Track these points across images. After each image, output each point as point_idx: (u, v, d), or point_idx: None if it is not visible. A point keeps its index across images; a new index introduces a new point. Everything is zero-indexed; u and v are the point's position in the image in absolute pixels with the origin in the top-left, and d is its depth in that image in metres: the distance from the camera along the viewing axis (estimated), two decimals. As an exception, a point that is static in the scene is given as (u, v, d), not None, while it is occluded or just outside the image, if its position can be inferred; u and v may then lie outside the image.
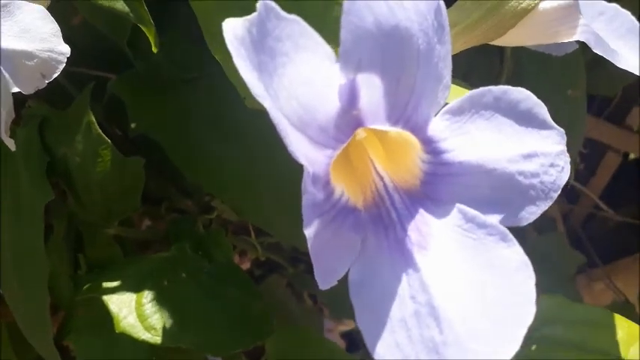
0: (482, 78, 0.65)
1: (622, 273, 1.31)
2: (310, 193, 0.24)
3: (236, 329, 0.47)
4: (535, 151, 0.25)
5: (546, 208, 0.25)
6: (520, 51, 0.59)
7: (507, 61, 0.58)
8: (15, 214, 0.46)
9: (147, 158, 0.55)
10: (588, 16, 0.30)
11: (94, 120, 0.45)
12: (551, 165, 0.25)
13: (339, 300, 0.66)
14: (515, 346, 0.21)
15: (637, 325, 0.43)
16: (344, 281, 0.26)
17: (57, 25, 0.37)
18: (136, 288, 0.47)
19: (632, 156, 1.40)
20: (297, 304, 0.91)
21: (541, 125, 0.25)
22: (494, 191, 0.24)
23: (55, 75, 0.37)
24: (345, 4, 0.20)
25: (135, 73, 0.52)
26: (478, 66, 0.60)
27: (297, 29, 0.20)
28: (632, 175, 1.38)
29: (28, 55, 0.36)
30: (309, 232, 0.25)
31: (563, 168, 0.25)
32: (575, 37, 0.34)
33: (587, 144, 1.20)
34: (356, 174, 0.27)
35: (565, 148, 0.26)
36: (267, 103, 0.22)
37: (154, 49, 0.41)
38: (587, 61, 0.71)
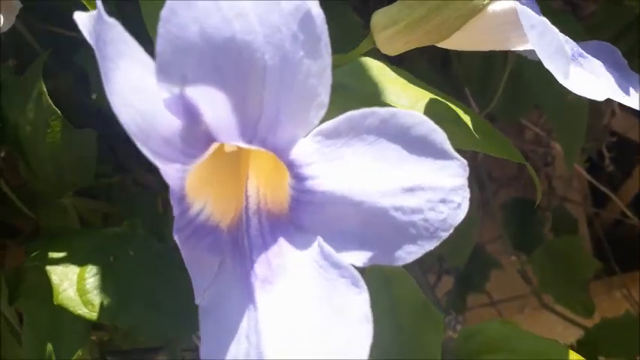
0: (482, 80, 0.61)
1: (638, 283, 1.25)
2: (174, 207, 0.22)
3: (181, 315, 0.46)
4: (420, 184, 0.22)
5: (432, 247, 0.22)
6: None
7: (509, 63, 0.53)
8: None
9: (115, 127, 0.54)
10: (525, 26, 0.26)
11: (44, 90, 0.44)
12: (442, 201, 0.22)
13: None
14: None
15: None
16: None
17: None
18: (81, 261, 0.47)
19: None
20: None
21: (438, 154, 0.22)
22: (364, 226, 0.21)
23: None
24: (165, 10, 0.17)
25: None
26: (476, 68, 0.56)
27: (115, 35, 0.18)
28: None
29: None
30: (180, 247, 0.23)
31: (459, 205, 0.22)
32: (527, 46, 0.30)
33: (620, 143, 1.13)
34: (237, 187, 0.24)
35: (466, 183, 0.23)
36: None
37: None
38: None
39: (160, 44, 0.17)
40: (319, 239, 0.21)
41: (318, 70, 0.20)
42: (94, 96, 0.49)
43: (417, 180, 0.22)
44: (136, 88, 0.19)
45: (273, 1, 0.18)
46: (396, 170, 0.22)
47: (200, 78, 0.18)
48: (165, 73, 0.18)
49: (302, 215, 0.22)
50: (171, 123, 0.20)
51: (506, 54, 0.56)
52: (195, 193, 0.22)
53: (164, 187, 0.56)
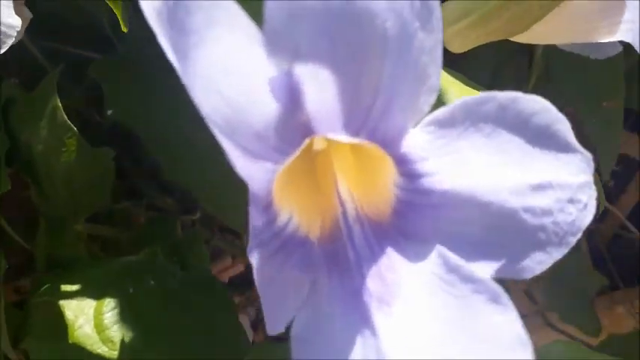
0: (505, 82, 0.59)
1: (644, 298, 1.23)
2: (252, 217, 0.18)
3: (208, 344, 0.42)
4: (549, 181, 0.18)
5: (560, 256, 0.19)
6: (552, 52, 0.52)
7: (537, 64, 0.51)
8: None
9: (127, 149, 0.50)
10: (632, 7, 0.23)
11: (59, 105, 0.40)
12: (571, 200, 0.19)
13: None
14: None
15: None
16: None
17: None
18: (97, 294, 0.42)
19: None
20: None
21: (561, 147, 0.19)
22: (490, 231, 0.18)
23: (5, 48, 0.33)
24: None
25: (116, 55, 0.47)
26: (500, 68, 0.53)
27: (207, 1, 0.14)
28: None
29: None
30: (253, 261, 0.19)
31: (586, 205, 0.19)
32: (617, 37, 0.27)
33: (620, 160, 1.12)
34: (318, 194, 0.21)
35: (592, 180, 0.19)
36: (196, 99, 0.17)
37: (124, 29, 0.36)
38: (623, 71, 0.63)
39: (270, 8, 0.14)
40: (440, 248, 0.17)
41: (431, 46, 0.17)
42: (109, 112, 0.45)
43: (545, 176, 0.18)
44: (228, 67, 0.15)
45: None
46: (520, 166, 0.18)
47: (314, 51, 0.15)
48: (275, 43, 0.14)
49: (414, 221, 0.18)
50: (267, 111, 0.16)
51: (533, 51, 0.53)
52: (280, 200, 0.19)
53: (183, 210, 0.52)
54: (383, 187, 0.19)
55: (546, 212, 0.18)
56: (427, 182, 0.18)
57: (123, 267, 0.44)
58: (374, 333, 0.17)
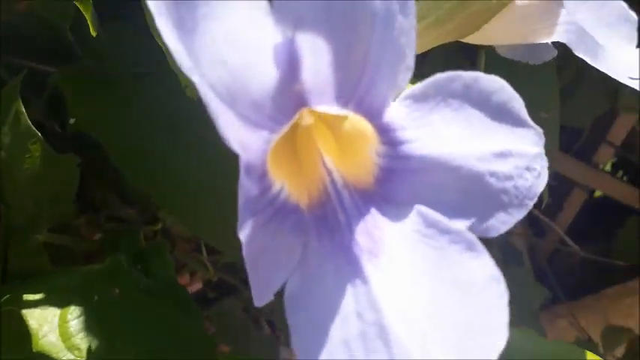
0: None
1: (586, 311, 1.30)
2: (244, 188, 0.20)
3: (174, 351, 0.42)
4: (510, 150, 0.21)
5: (520, 217, 0.21)
6: (492, 64, 0.56)
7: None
8: None
9: (87, 160, 0.50)
10: (572, 4, 0.27)
11: (23, 110, 0.40)
12: (527, 168, 0.21)
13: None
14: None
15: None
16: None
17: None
18: (61, 303, 0.42)
19: (597, 194, 1.41)
20: (253, 330, 0.85)
21: (517, 122, 0.22)
22: (461, 193, 0.20)
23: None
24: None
25: (78, 66, 0.48)
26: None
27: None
28: (597, 212, 1.38)
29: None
30: (243, 235, 0.20)
31: (539, 173, 0.22)
32: (554, 38, 0.31)
33: (556, 178, 1.20)
34: (302, 168, 0.23)
35: (542, 151, 0.22)
36: (195, 77, 0.18)
37: (93, 32, 0.37)
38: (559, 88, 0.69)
39: None
40: (419, 207, 0.20)
41: (408, 29, 0.19)
42: (71, 120, 0.45)
43: (506, 146, 0.21)
44: (233, 37, 0.17)
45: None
46: (484, 136, 0.21)
47: (314, 20, 0.17)
48: (282, 12, 0.16)
49: (395, 186, 0.20)
50: (266, 80, 0.18)
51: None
52: (274, 171, 0.20)
53: (145, 221, 0.52)
54: (364, 159, 0.21)
55: (508, 177, 0.21)
56: (406, 148, 0.20)
57: (87, 276, 0.44)
58: (365, 281, 0.18)
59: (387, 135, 0.20)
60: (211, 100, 0.18)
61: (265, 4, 0.17)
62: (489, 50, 0.43)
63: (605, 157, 1.26)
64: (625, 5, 0.28)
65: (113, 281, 0.44)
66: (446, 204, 0.20)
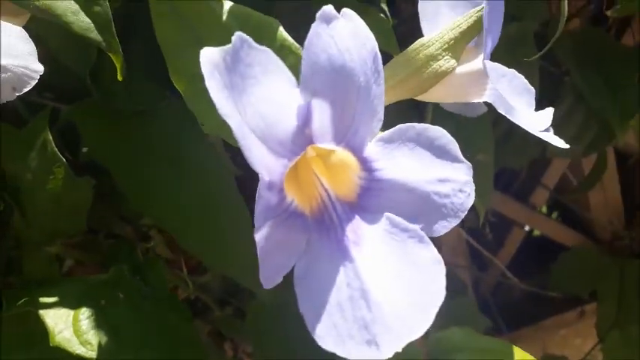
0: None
1: (525, 340, 1.40)
2: (265, 198, 0.28)
3: (170, 348, 0.49)
4: (447, 177, 0.31)
5: (455, 224, 0.31)
6: (441, 116, 0.67)
7: (427, 119, 0.66)
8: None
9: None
10: (494, 78, 0.37)
11: (50, 138, 0.47)
12: (460, 190, 0.31)
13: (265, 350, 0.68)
14: (427, 324, 0.26)
15: (530, 356, 0.49)
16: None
17: (34, 46, 0.40)
18: (73, 305, 0.48)
19: (536, 232, 1.54)
20: (216, 353, 0.91)
21: (453, 159, 0.31)
22: (415, 206, 0.30)
23: (26, 90, 0.40)
24: (307, 43, 0.25)
25: (90, 101, 0.55)
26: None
27: (266, 57, 0.25)
28: (536, 249, 1.51)
29: (3, 69, 0.39)
30: (260, 234, 0.29)
31: (469, 194, 0.31)
32: (483, 98, 0.41)
33: (497, 217, 1.32)
34: (302, 187, 0.31)
35: (471, 179, 0.32)
36: (232, 121, 0.27)
37: (120, 77, 0.45)
38: (496, 136, 0.81)
39: (303, 65, 0.25)
40: (388, 214, 0.29)
41: (379, 94, 0.29)
42: (84, 149, 0.53)
43: (445, 174, 0.31)
44: (270, 99, 0.26)
45: (360, 42, 0.27)
46: (430, 167, 0.31)
47: (322, 92, 0.26)
48: (305, 86, 0.26)
49: (371, 200, 0.29)
50: (288, 127, 0.27)
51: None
52: (286, 188, 0.29)
53: (141, 238, 0.60)
54: (347, 182, 0.31)
55: (446, 196, 0.30)
56: (378, 174, 0.29)
57: (94, 283, 0.51)
58: (351, 261, 0.27)
59: (365, 165, 0.29)
60: (249, 139, 0.27)
61: (294, 80, 0.26)
62: (437, 105, 0.54)
63: (541, 199, 1.40)
64: (526, 81, 0.39)
65: (117, 288, 0.51)
66: (405, 213, 0.29)
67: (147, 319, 0.50)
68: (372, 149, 0.29)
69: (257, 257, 0.57)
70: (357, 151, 0.29)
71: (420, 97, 0.42)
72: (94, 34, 0.42)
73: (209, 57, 0.27)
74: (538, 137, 0.79)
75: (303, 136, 0.27)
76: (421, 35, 0.42)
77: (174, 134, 0.56)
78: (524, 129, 0.84)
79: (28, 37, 0.40)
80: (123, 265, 0.53)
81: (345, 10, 0.27)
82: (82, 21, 0.41)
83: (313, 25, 0.25)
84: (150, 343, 0.49)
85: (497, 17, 0.40)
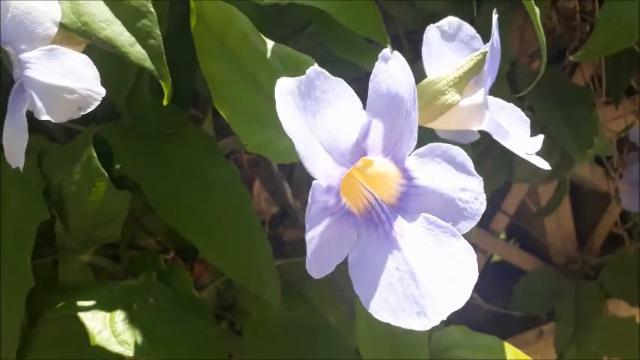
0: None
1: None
2: (321, 201, 0.35)
3: (196, 348, 0.54)
4: (467, 187, 0.38)
5: (473, 225, 0.38)
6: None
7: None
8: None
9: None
10: (493, 110, 0.45)
11: (94, 155, 0.52)
12: (476, 198, 0.38)
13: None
14: (465, 297, 0.33)
15: (520, 351, 0.57)
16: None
17: (97, 71, 0.46)
18: (108, 308, 0.52)
19: (496, 258, 1.64)
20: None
21: (469, 173, 0.39)
22: (444, 208, 0.37)
23: (90, 109, 0.45)
24: (372, 76, 0.33)
25: (121, 123, 0.60)
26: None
27: (340, 85, 0.32)
28: (498, 274, 1.61)
29: (70, 91, 0.44)
30: (313, 232, 0.35)
31: (482, 202, 0.39)
32: (481, 127, 0.49)
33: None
34: (348, 192, 0.38)
35: (483, 190, 0.39)
36: (299, 137, 0.33)
37: (165, 102, 0.50)
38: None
39: (370, 93, 0.33)
40: (424, 214, 0.36)
41: (415, 118, 0.37)
42: (117, 166, 0.58)
43: (465, 184, 0.38)
44: (338, 118, 0.33)
45: (407, 77, 0.35)
46: (454, 178, 0.38)
47: (380, 113, 0.33)
48: (370, 107, 0.33)
49: (409, 203, 0.36)
50: (349, 141, 0.34)
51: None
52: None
53: (163, 250, 0.65)
54: (387, 189, 0.37)
55: (467, 202, 0.38)
56: (416, 182, 0.36)
57: (126, 289, 0.55)
58: (399, 250, 0.34)
59: (406, 174, 0.36)
60: (316, 150, 0.34)
61: (360, 104, 0.33)
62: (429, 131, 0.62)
63: (501, 225, 1.50)
64: (522, 113, 0.47)
65: (148, 293, 0.55)
66: (437, 213, 0.36)
67: (175, 320, 0.55)
68: (410, 161, 0.37)
69: (271, 269, 0.63)
70: (399, 162, 0.36)
71: (428, 125, 0.50)
72: (148, 64, 0.48)
73: (284, 85, 0.34)
74: (510, 166, 0.89)
75: (359, 149, 0.34)
76: (419, 75, 0.50)
77: (196, 154, 0.62)
78: (495, 156, 0.93)
79: (92, 63, 0.46)
80: (151, 272, 0.57)
81: (396, 52, 0.34)
82: (138, 52, 0.47)
83: (376, 63, 0.33)
84: (179, 342, 0.53)
85: (494, 60, 0.48)
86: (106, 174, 0.53)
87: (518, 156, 0.49)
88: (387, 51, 0.33)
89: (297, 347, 0.76)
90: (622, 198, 1.15)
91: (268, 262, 0.62)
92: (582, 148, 0.89)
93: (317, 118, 0.33)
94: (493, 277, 1.57)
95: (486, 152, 0.95)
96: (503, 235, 1.61)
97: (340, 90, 0.33)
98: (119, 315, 0.52)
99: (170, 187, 0.59)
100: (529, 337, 1.53)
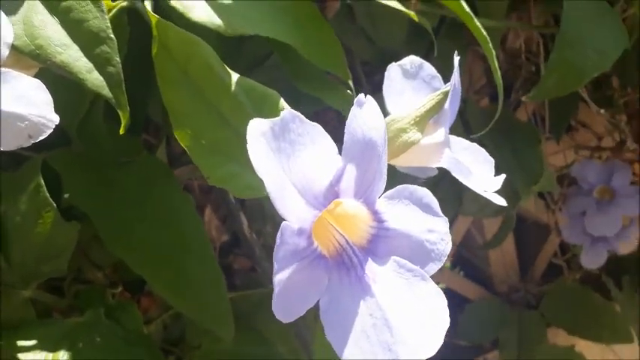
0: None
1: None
2: (291, 244, 0.34)
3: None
4: (433, 228, 0.38)
5: (440, 266, 0.38)
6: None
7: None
8: None
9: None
10: (456, 149, 0.46)
11: (42, 184, 0.49)
12: (442, 239, 0.39)
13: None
14: (438, 343, 0.32)
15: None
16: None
17: (50, 97, 0.43)
18: (51, 348, 0.49)
19: (441, 286, 1.68)
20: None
21: (435, 214, 0.39)
22: (413, 251, 0.37)
23: (41, 137, 0.43)
24: (348, 122, 0.32)
25: (71, 150, 0.58)
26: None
27: (317, 130, 0.32)
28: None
29: (21, 118, 0.42)
30: (281, 275, 0.34)
31: (447, 242, 0.39)
32: (440, 164, 0.50)
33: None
34: (319, 235, 0.37)
35: (448, 231, 0.40)
36: (270, 178, 0.32)
37: (122, 131, 0.48)
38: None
39: (346, 138, 0.32)
40: (394, 257, 0.35)
41: (385, 162, 0.37)
42: (66, 195, 0.55)
43: (432, 226, 0.38)
44: (313, 162, 0.32)
45: (379, 121, 0.35)
46: (421, 220, 0.38)
47: (354, 157, 0.33)
48: (346, 152, 0.32)
49: (379, 245, 0.36)
50: (323, 184, 0.33)
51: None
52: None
53: (111, 283, 0.62)
54: (357, 231, 0.37)
55: (434, 243, 0.38)
56: (386, 224, 0.36)
57: (71, 326, 0.52)
58: (372, 296, 0.33)
59: (376, 216, 0.36)
60: (288, 192, 0.33)
61: (336, 149, 0.32)
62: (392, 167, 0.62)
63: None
64: (486, 153, 0.48)
65: (95, 331, 0.52)
66: (406, 255, 0.36)
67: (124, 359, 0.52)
68: (381, 204, 0.36)
69: (225, 303, 0.61)
70: (370, 205, 0.36)
71: (390, 162, 0.50)
72: (106, 92, 0.46)
73: (257, 126, 0.33)
74: (459, 198, 0.91)
75: (332, 192, 0.34)
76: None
77: (150, 183, 0.59)
78: (445, 188, 0.95)
79: (45, 88, 0.43)
80: (98, 308, 0.54)
81: (369, 97, 0.34)
82: (95, 79, 0.45)
83: (352, 109, 0.33)
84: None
85: (455, 100, 0.49)
86: (54, 204, 0.50)
87: (468, 190, 0.50)
88: (361, 96, 0.33)
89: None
90: (562, 230, 1.20)
91: (222, 296, 0.60)
92: (529, 184, 0.92)
93: (291, 161, 0.32)
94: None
95: (438, 184, 0.97)
96: (448, 264, 1.65)
97: (316, 134, 0.32)
98: (63, 355, 0.49)
99: (121, 217, 0.56)
100: (474, 365, 1.55)
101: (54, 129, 0.59)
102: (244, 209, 0.75)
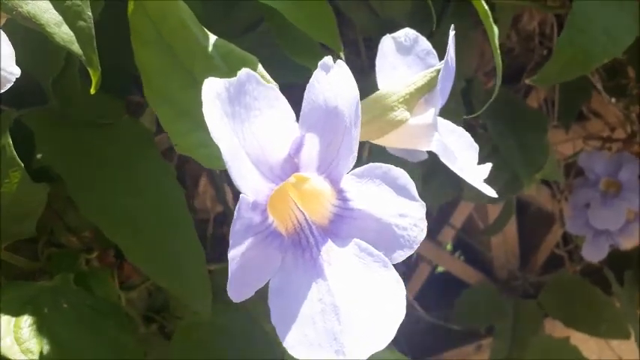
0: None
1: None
2: (246, 218, 0.32)
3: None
4: (406, 212, 0.36)
5: (409, 254, 0.36)
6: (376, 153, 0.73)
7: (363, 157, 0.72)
8: None
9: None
10: (443, 132, 0.43)
11: (10, 142, 0.47)
12: (415, 225, 0.36)
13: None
14: (390, 337, 0.30)
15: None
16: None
17: (12, 49, 0.41)
18: (15, 312, 0.48)
19: (440, 268, 1.65)
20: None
21: (411, 197, 0.36)
22: (378, 235, 0.34)
23: (2, 90, 0.41)
24: (309, 86, 0.30)
25: (48, 108, 0.55)
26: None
27: (273, 93, 0.29)
28: (441, 285, 1.62)
29: (-20, 70, 0.39)
30: (236, 251, 0.32)
31: (422, 229, 0.36)
32: (429, 148, 0.47)
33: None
34: (277, 210, 0.35)
35: (424, 217, 0.37)
36: (225, 144, 0.30)
37: (93, 91, 0.46)
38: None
39: (304, 104, 0.30)
40: (356, 240, 0.33)
41: (356, 136, 0.34)
42: (39, 156, 0.53)
43: (404, 210, 0.36)
44: (269, 129, 0.30)
45: (348, 90, 0.32)
46: (393, 203, 0.35)
47: (314, 127, 0.30)
48: (303, 120, 0.30)
49: (341, 226, 0.34)
50: (280, 155, 0.31)
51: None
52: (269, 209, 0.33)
53: (86, 248, 0.60)
54: (320, 209, 0.35)
55: (405, 228, 0.35)
56: (351, 204, 0.34)
57: (38, 290, 0.51)
58: (325, 279, 0.31)
59: (341, 194, 0.34)
60: (242, 161, 0.30)
61: (293, 115, 0.30)
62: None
63: (448, 237, 1.51)
64: (472, 139, 0.46)
65: (62, 296, 0.51)
66: (370, 240, 0.34)
67: (90, 328, 0.50)
68: (347, 182, 0.34)
69: (203, 277, 0.60)
70: (335, 182, 0.33)
71: (375, 141, 0.48)
72: (76, 47, 0.43)
73: (212, 86, 0.30)
74: (459, 183, 0.88)
75: (291, 164, 0.31)
76: (366, 85, 0.48)
77: (130, 149, 0.57)
78: (447, 169, 0.92)
79: (7, 39, 0.41)
80: (68, 273, 0.53)
81: (339, 62, 0.31)
82: (64, 33, 0.43)
83: (315, 72, 0.30)
84: (92, 353, 0.49)
85: (448, 80, 0.46)
86: (22, 164, 0.48)
87: (467, 176, 0.47)
88: (328, 59, 0.30)
89: (227, 355, 0.72)
90: (567, 221, 1.17)
91: (200, 269, 0.58)
92: (532, 173, 0.89)
93: (245, 128, 0.30)
94: (436, 288, 1.58)
95: (438, 165, 0.94)
96: (449, 247, 1.62)
97: (273, 98, 0.29)
98: (26, 320, 0.47)
99: (96, 182, 0.55)
100: (468, 351, 1.54)
101: (30, 85, 0.58)
102: (229, 179, 0.73)
